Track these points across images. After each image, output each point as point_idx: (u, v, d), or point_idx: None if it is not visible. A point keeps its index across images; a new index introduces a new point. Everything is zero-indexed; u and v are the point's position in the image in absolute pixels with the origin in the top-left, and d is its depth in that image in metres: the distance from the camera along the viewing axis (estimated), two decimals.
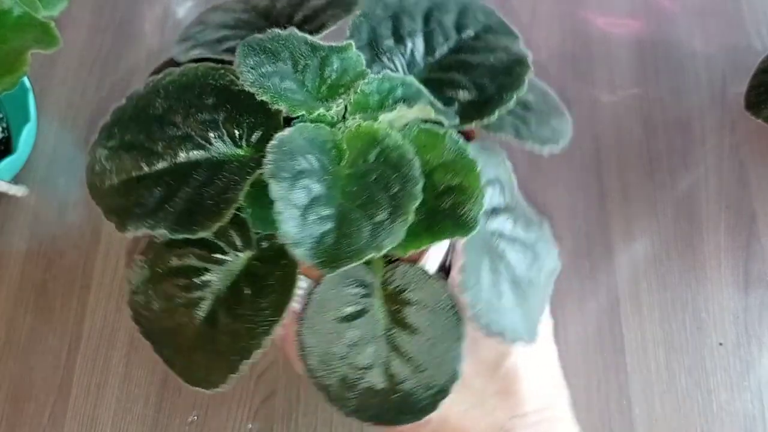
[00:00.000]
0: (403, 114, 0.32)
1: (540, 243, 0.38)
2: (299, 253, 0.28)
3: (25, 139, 0.56)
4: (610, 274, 0.59)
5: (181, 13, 0.69)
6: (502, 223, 0.36)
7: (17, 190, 0.57)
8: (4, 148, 0.58)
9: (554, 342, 0.43)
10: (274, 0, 0.40)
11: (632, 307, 0.58)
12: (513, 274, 0.36)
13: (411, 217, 0.29)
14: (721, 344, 0.57)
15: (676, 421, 0.54)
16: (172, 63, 0.36)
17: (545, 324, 0.42)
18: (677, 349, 0.57)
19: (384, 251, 0.28)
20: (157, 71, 0.36)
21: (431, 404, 0.33)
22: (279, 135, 0.30)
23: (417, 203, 0.29)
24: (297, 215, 0.28)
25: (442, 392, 0.33)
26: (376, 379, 0.33)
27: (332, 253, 0.28)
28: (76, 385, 0.54)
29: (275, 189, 0.28)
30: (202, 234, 0.30)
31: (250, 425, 0.53)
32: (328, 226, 0.29)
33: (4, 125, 0.59)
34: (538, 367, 0.39)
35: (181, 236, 0.30)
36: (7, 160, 0.55)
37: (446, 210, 0.31)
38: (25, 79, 0.57)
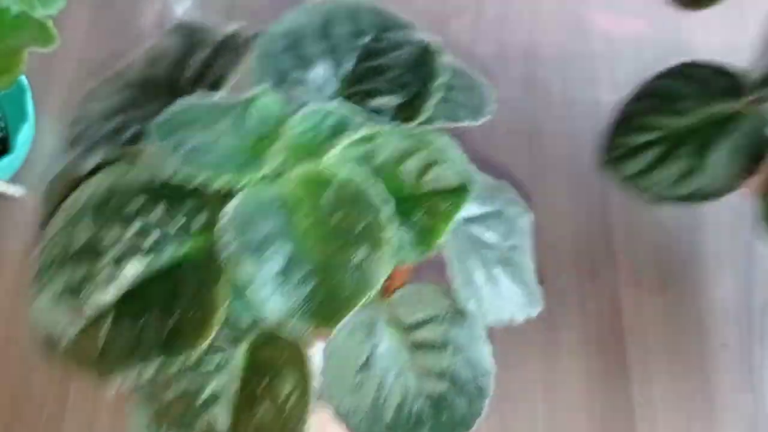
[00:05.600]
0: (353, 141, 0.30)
1: (508, 207, 0.38)
2: (295, 322, 0.26)
3: (23, 138, 0.56)
4: (611, 274, 0.59)
5: (180, 12, 0.69)
6: (466, 210, 0.34)
7: (15, 190, 0.57)
8: (2, 147, 0.58)
9: None
10: (149, 67, 0.37)
11: (634, 308, 0.58)
12: (498, 253, 0.35)
13: (391, 243, 0.27)
14: (724, 345, 0.57)
15: (677, 422, 0.54)
16: (72, 177, 0.33)
17: None
18: (679, 350, 0.56)
19: (378, 285, 0.27)
20: (52, 198, 0.32)
21: (478, 408, 0.33)
22: (228, 208, 0.28)
23: (392, 228, 0.28)
24: (277, 285, 0.27)
25: (483, 393, 0.33)
26: (420, 406, 0.33)
27: (328, 308, 0.27)
28: (75, 385, 0.54)
29: (245, 269, 0.26)
30: (194, 357, 0.28)
31: None
32: (313, 283, 0.27)
33: (2, 125, 0.58)
34: None
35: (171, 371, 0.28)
36: (5, 159, 0.55)
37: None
38: (23, 78, 0.57)
